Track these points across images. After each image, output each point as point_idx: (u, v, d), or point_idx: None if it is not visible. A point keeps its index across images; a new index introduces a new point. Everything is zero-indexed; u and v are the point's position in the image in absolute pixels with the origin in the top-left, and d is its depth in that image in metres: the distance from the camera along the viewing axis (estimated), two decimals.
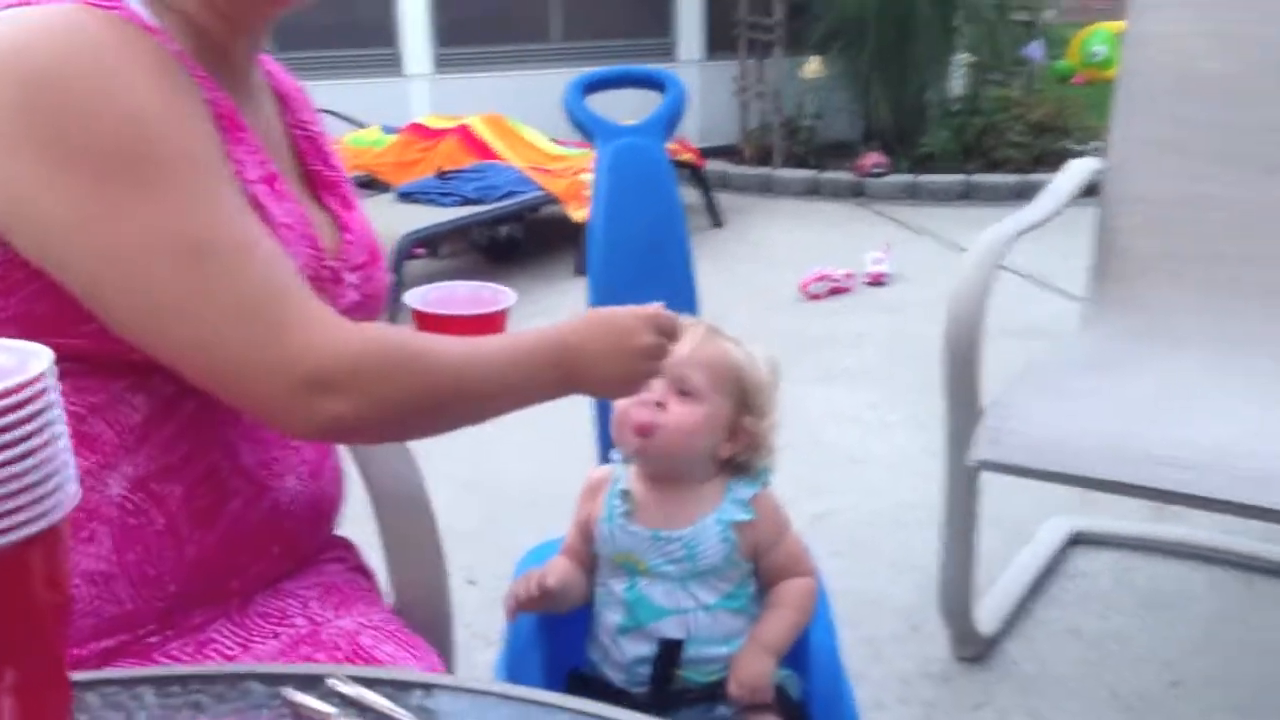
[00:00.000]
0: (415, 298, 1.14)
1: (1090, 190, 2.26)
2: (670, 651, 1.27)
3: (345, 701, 0.64)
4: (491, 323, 1.13)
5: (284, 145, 1.09)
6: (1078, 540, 2.43)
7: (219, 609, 1.01)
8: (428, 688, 0.67)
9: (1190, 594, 2.23)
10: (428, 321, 1.13)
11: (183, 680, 0.67)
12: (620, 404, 1.26)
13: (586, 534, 1.33)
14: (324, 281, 1.01)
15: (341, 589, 1.10)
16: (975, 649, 2.06)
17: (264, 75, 1.09)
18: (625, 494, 1.29)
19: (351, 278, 1.07)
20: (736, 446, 1.29)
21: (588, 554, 1.33)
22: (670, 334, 1.05)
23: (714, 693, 1.27)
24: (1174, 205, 2.16)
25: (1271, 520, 1.72)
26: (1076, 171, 2.26)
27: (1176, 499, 1.76)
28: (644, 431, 1.23)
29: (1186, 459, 1.70)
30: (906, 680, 2.00)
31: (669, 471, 1.29)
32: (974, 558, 2.00)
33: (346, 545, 1.20)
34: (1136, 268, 2.17)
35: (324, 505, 1.10)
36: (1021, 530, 2.47)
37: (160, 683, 0.67)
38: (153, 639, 0.97)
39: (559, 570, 1.31)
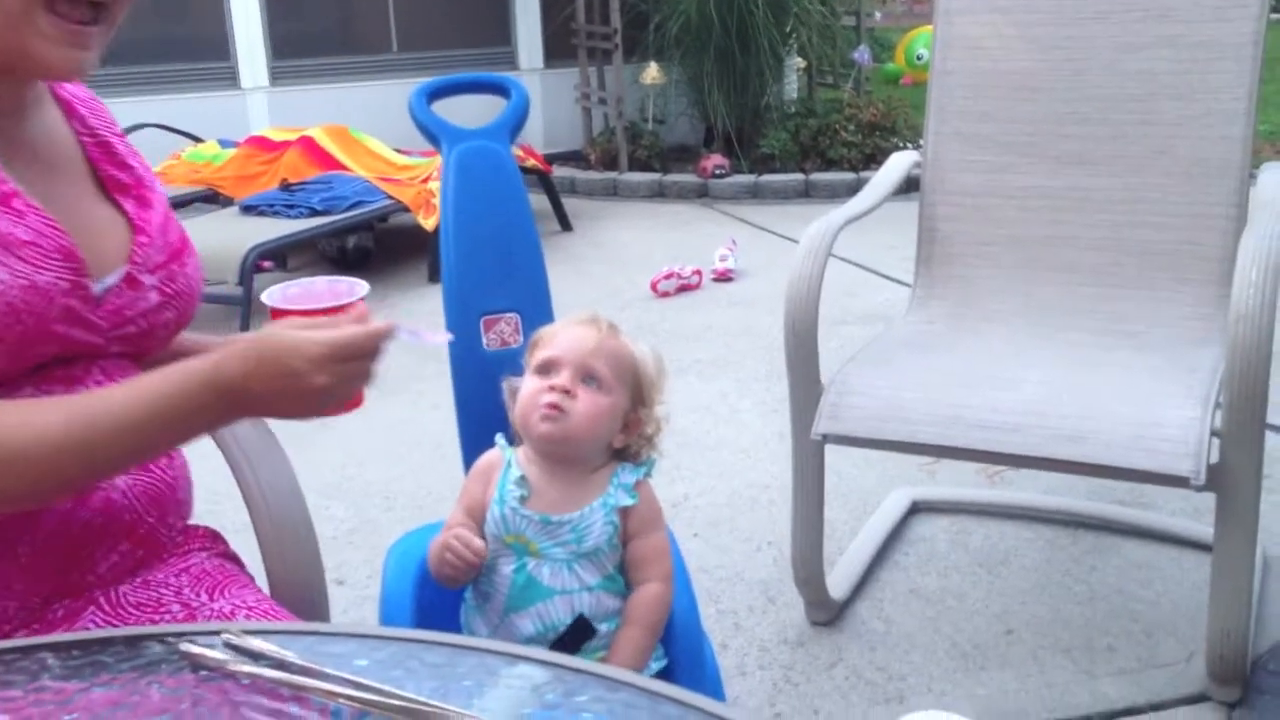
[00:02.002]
0: (274, 295, 1.13)
1: (913, 184, 2.42)
2: (582, 627, 1.32)
3: (240, 651, 0.69)
4: (347, 312, 1.11)
5: (73, 153, 1.09)
6: (917, 508, 2.59)
7: (81, 601, 1.03)
8: (315, 635, 0.72)
9: (1020, 551, 2.41)
10: (287, 318, 1.11)
11: (83, 645, 0.71)
12: (527, 390, 1.31)
13: (476, 516, 1.36)
14: (73, 298, 0.99)
15: (212, 575, 1.13)
16: (828, 614, 2.18)
17: (44, 86, 1.08)
18: (522, 479, 1.34)
19: (150, 279, 1.07)
20: (629, 436, 1.36)
21: (478, 533, 1.36)
22: (364, 355, 0.98)
23: None
24: (983, 194, 2.33)
25: (1084, 474, 1.88)
26: (896, 166, 2.41)
27: (1000, 459, 1.91)
28: (551, 416, 1.28)
29: (1007, 422, 1.85)
30: (765, 647, 2.11)
31: (568, 457, 1.33)
32: (824, 529, 2.12)
33: (212, 535, 1.22)
34: (953, 253, 2.34)
35: (165, 494, 1.11)
36: (867, 502, 2.62)
37: (60, 648, 0.70)
38: (19, 634, 0.99)
39: (475, 539, 1.33)
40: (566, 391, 1.29)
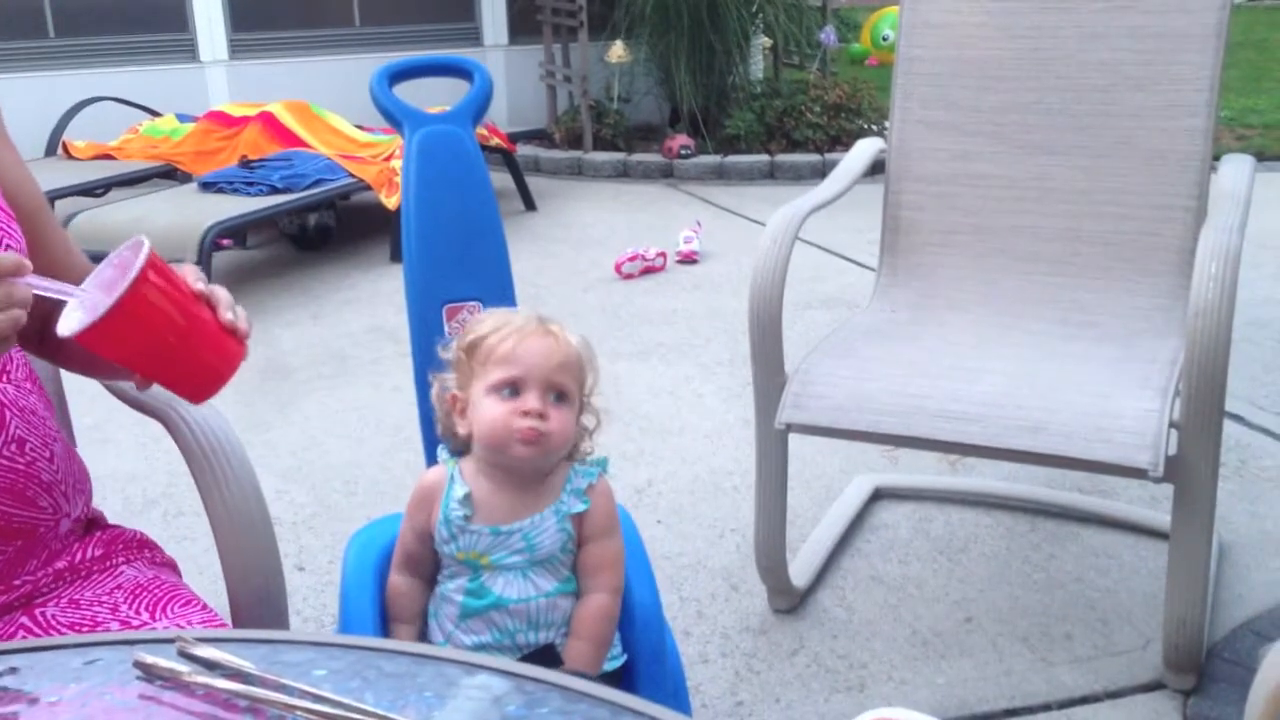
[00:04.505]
0: (66, 324, 0.89)
1: (879, 166, 2.41)
2: (548, 656, 1.31)
3: (195, 660, 0.68)
4: (140, 293, 0.89)
5: None
6: (880, 494, 2.60)
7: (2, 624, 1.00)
8: (271, 643, 0.71)
9: (980, 538, 2.42)
10: (92, 340, 0.89)
11: (31, 653, 0.69)
12: (495, 414, 1.27)
13: (424, 538, 1.34)
14: None
15: (149, 589, 1.09)
16: (790, 601, 2.18)
17: None
18: (465, 498, 1.31)
19: None
20: (579, 434, 1.33)
21: (428, 557, 1.35)
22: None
23: None
24: (947, 182, 2.34)
25: (1044, 464, 1.89)
26: (862, 151, 2.41)
27: (962, 449, 1.92)
28: (532, 441, 1.25)
29: (966, 413, 1.85)
30: (727, 635, 2.11)
31: (539, 469, 1.31)
32: (787, 517, 2.12)
33: (141, 542, 1.19)
34: (918, 240, 2.34)
35: (19, 482, 1.07)
36: (830, 488, 2.63)
37: (7, 657, 0.69)
38: None
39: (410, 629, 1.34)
40: (541, 415, 1.26)
